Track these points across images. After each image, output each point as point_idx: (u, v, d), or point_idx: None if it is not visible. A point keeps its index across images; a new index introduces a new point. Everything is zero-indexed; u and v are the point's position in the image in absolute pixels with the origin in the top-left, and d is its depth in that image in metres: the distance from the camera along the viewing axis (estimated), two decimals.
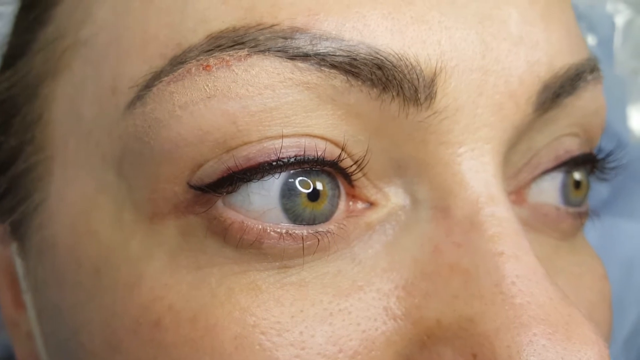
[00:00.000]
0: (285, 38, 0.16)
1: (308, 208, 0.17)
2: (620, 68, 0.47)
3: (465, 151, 0.18)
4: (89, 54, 0.19)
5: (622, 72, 0.47)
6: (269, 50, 0.16)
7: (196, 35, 0.17)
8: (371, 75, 0.16)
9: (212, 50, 0.16)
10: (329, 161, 0.17)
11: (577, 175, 0.21)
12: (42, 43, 0.21)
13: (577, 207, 0.21)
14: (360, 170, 0.17)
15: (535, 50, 0.19)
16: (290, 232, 0.17)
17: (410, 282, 0.17)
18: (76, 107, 0.19)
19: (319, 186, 0.17)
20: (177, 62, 0.17)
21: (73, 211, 0.19)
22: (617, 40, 0.48)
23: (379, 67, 0.16)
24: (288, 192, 0.17)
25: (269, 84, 0.16)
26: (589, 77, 0.20)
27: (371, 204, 0.18)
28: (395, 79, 0.17)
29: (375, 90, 0.17)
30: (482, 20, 0.18)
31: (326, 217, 0.17)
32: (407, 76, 0.17)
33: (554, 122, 0.20)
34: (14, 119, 0.21)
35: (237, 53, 0.16)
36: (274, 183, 0.17)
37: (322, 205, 0.17)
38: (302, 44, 0.16)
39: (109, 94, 0.18)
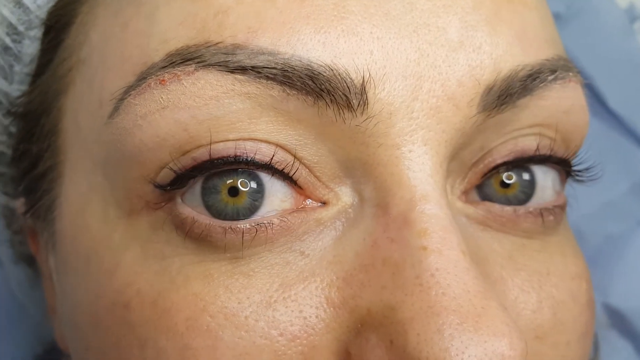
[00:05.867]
0: (227, 54, 0.18)
1: (230, 204, 0.19)
2: None
3: (403, 152, 0.19)
4: (85, 72, 0.22)
5: None
6: (212, 65, 0.18)
7: (158, 54, 0.19)
8: (304, 85, 0.18)
9: (167, 66, 0.19)
10: (261, 163, 0.19)
11: (505, 176, 0.22)
12: (57, 62, 0.24)
13: (524, 205, 0.21)
14: (294, 172, 0.19)
15: (478, 53, 0.19)
16: (232, 226, 0.19)
17: (350, 273, 0.19)
18: (77, 118, 0.22)
19: (239, 184, 0.19)
20: (141, 77, 0.19)
21: (73, 208, 0.22)
22: None
23: (311, 78, 0.18)
24: (210, 189, 0.19)
25: (213, 95, 0.18)
26: (550, 78, 0.21)
27: (324, 203, 0.20)
28: (327, 88, 0.18)
29: (310, 98, 0.18)
30: (417, 29, 0.19)
31: (250, 212, 0.19)
32: (338, 85, 0.18)
33: (513, 122, 0.21)
34: (35, 129, 0.25)
35: (186, 68, 0.18)
36: (198, 182, 0.19)
37: (243, 200, 0.19)
38: (241, 58, 0.18)
39: (97, 106, 0.21)
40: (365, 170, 0.19)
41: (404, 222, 0.18)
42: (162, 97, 0.19)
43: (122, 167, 0.20)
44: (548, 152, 0.21)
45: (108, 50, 0.21)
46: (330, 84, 0.18)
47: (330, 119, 0.19)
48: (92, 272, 0.21)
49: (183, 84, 0.18)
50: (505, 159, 0.21)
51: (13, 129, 0.27)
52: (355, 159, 0.19)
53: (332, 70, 0.18)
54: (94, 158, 0.21)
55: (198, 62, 0.18)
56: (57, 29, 0.24)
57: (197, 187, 0.19)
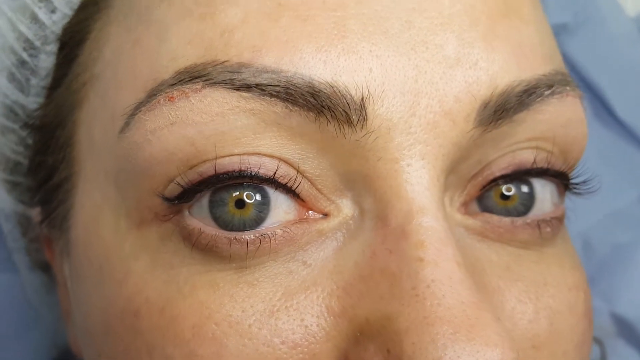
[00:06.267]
0: (233, 72, 0.19)
1: (236, 215, 0.20)
2: None
3: (401, 166, 0.19)
4: (99, 87, 0.23)
5: None
6: (218, 82, 0.19)
7: (167, 71, 0.20)
8: (306, 102, 0.19)
9: (175, 84, 0.19)
10: (265, 177, 0.19)
11: (505, 188, 0.22)
12: (71, 77, 0.25)
13: (523, 217, 0.22)
14: (297, 186, 0.20)
15: (475, 70, 0.20)
16: (237, 237, 0.19)
17: (350, 283, 0.19)
18: (90, 132, 0.23)
19: (245, 197, 0.20)
20: (151, 94, 0.20)
21: (87, 218, 0.23)
22: None
23: (313, 95, 0.19)
24: (218, 202, 0.20)
25: (219, 112, 0.19)
26: (546, 92, 0.21)
27: (325, 215, 0.20)
28: (328, 105, 0.19)
29: (311, 114, 0.19)
30: (415, 46, 0.20)
31: (256, 223, 0.20)
32: (339, 102, 0.19)
33: (510, 136, 0.21)
34: (51, 141, 0.26)
35: (194, 86, 0.19)
36: (206, 196, 0.20)
37: (249, 212, 0.20)
38: (246, 76, 0.19)
39: (109, 120, 0.22)
40: (365, 183, 0.20)
41: (401, 234, 0.19)
42: (170, 114, 0.19)
43: (133, 180, 0.21)
44: (545, 165, 0.22)
45: (120, 66, 0.22)
46: (331, 101, 0.19)
47: (331, 134, 0.19)
48: (104, 281, 0.22)
49: (191, 100, 0.19)
50: (504, 172, 0.22)
51: (29, 141, 0.28)
52: (355, 172, 0.20)
53: (332, 87, 0.19)
54: (107, 170, 0.22)
55: (205, 80, 0.19)
56: (71, 45, 0.25)
57: (205, 199, 0.20)
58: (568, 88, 0.22)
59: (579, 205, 0.49)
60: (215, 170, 0.19)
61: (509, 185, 0.22)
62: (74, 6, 0.25)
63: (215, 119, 0.19)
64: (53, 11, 0.26)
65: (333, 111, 0.19)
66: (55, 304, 0.34)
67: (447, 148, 0.20)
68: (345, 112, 0.19)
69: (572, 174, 0.24)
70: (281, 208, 0.20)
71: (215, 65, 0.19)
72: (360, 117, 0.19)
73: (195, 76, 0.19)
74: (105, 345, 0.21)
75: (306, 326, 0.19)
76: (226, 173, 0.19)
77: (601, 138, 0.50)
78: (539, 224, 0.22)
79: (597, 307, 0.46)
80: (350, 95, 0.19)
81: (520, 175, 0.22)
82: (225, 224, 0.20)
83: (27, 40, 0.27)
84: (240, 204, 0.20)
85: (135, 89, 0.21)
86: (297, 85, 0.19)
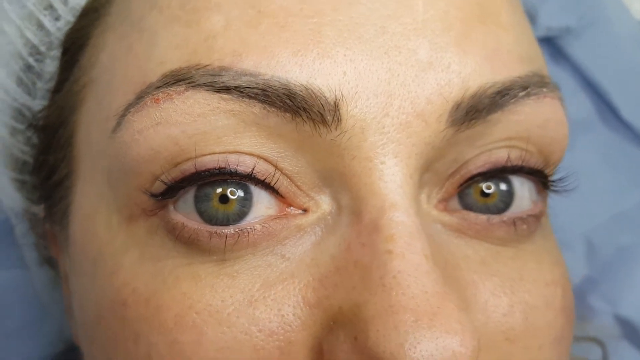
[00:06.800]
0: (214, 75, 0.20)
1: (220, 210, 0.21)
2: None
3: (376, 164, 0.20)
4: (96, 90, 0.24)
5: None
6: (200, 85, 0.20)
7: (155, 75, 0.21)
8: (283, 103, 0.20)
9: (161, 86, 0.21)
10: (244, 174, 0.20)
11: (485, 186, 0.23)
12: (72, 80, 0.26)
13: (499, 215, 0.23)
14: (276, 182, 0.21)
15: (447, 73, 0.21)
16: (217, 231, 0.20)
17: (325, 275, 0.20)
18: (88, 132, 0.24)
19: (228, 192, 0.21)
20: (140, 96, 0.21)
21: (83, 214, 0.24)
22: None
23: (289, 97, 0.20)
24: (203, 197, 0.21)
25: (201, 112, 0.20)
26: (521, 94, 0.22)
27: (305, 210, 0.21)
28: (303, 106, 0.20)
29: (288, 115, 0.20)
30: (388, 50, 0.21)
31: (239, 217, 0.21)
32: (313, 103, 0.20)
33: (486, 135, 0.22)
34: (53, 140, 0.27)
35: (177, 88, 0.20)
36: (191, 191, 0.21)
37: (233, 207, 0.21)
38: (226, 79, 0.20)
39: (104, 121, 0.23)
40: (342, 181, 0.21)
41: (374, 228, 0.20)
42: (156, 114, 0.21)
43: (123, 177, 0.22)
44: (520, 163, 0.23)
45: (114, 70, 0.23)
46: (306, 102, 0.20)
47: (307, 133, 0.20)
48: (98, 274, 0.23)
49: (175, 102, 0.20)
50: (480, 170, 0.22)
51: (35, 141, 0.29)
52: (332, 170, 0.21)
53: (307, 89, 0.20)
54: (101, 169, 0.23)
55: (188, 83, 0.20)
56: (72, 50, 0.26)
57: (190, 195, 0.21)
58: (545, 90, 0.23)
59: (583, 206, 0.49)
60: (196, 168, 0.20)
61: (488, 183, 0.23)
62: (76, 13, 0.27)
63: (197, 120, 0.20)
64: (57, 19, 0.27)
65: (308, 112, 0.20)
66: (62, 299, 0.35)
67: (420, 147, 0.21)
68: (319, 113, 0.20)
69: (551, 172, 0.24)
70: (263, 204, 0.21)
71: (198, 68, 0.20)
72: (335, 118, 0.20)
73: (179, 79, 0.20)
74: (97, 334, 0.23)
75: (283, 315, 0.20)
76: (207, 170, 0.20)
77: (606, 140, 0.50)
78: (514, 222, 0.23)
79: (600, 308, 0.47)
80: (325, 97, 0.20)
81: (497, 173, 0.23)
82: (209, 219, 0.21)
83: (33, 46, 0.28)
84: (224, 199, 0.21)
85: (126, 91, 0.22)
86: (274, 88, 0.20)
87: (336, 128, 0.20)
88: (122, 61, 0.23)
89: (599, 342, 0.43)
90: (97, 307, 0.23)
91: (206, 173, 0.20)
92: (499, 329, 0.21)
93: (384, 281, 0.19)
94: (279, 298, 0.20)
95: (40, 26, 0.28)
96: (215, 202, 0.21)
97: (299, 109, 0.20)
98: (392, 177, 0.20)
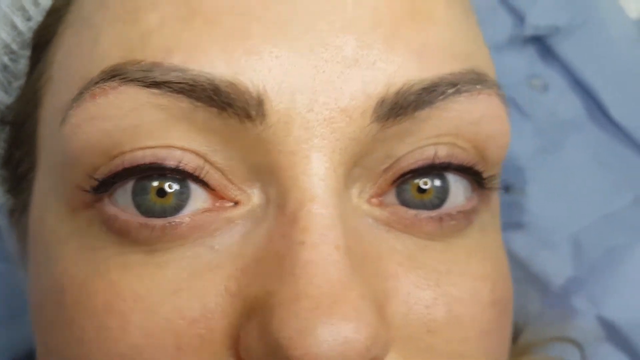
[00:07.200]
0: (145, 70, 0.21)
1: (157, 203, 0.21)
2: None
3: (300, 158, 0.21)
4: (52, 86, 0.25)
5: None
6: (132, 80, 0.21)
7: (95, 71, 0.22)
8: (209, 98, 0.21)
9: (99, 82, 0.22)
10: (173, 167, 0.21)
11: (422, 182, 0.23)
12: (35, 77, 0.27)
13: (429, 211, 0.23)
14: (205, 175, 0.21)
15: (372, 70, 0.21)
16: (147, 223, 0.21)
17: (248, 265, 0.21)
18: (45, 127, 0.26)
19: (166, 186, 0.21)
20: (81, 91, 0.22)
21: (38, 205, 0.26)
22: None
23: (215, 92, 0.20)
24: (140, 190, 0.21)
25: (133, 107, 0.21)
26: (450, 91, 0.22)
27: (236, 203, 0.22)
28: (228, 101, 0.21)
29: (215, 109, 0.21)
30: (314, 48, 0.21)
31: (176, 210, 0.21)
32: (238, 98, 0.20)
33: (416, 132, 0.22)
34: (19, 135, 0.28)
35: (112, 83, 0.21)
36: (130, 184, 0.22)
37: (170, 200, 0.21)
38: (156, 74, 0.21)
39: (56, 116, 0.24)
40: (270, 174, 0.21)
41: (293, 220, 0.20)
42: (92, 109, 0.21)
43: (66, 170, 0.23)
44: (448, 160, 0.23)
45: (68, 66, 0.24)
46: (230, 98, 0.20)
47: (235, 128, 0.21)
48: (44, 262, 0.24)
49: (109, 97, 0.21)
50: (412, 167, 0.23)
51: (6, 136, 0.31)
52: (261, 163, 0.21)
53: (232, 85, 0.20)
54: (53, 162, 0.24)
55: (122, 78, 0.21)
56: (38, 48, 0.28)
57: (129, 187, 0.22)
58: (479, 86, 0.23)
59: (572, 207, 0.49)
60: (125, 164, 0.21)
61: (425, 179, 0.23)
62: (44, 13, 0.28)
63: (129, 114, 0.21)
64: (29, 19, 0.29)
65: (233, 107, 0.21)
66: None
67: (345, 142, 0.21)
68: (244, 108, 0.20)
69: (489, 169, 0.24)
70: (200, 197, 0.22)
71: (133, 64, 0.21)
72: (259, 113, 0.21)
73: (114, 75, 0.21)
74: (40, 319, 0.24)
75: (205, 304, 0.20)
76: (137, 166, 0.21)
77: (596, 140, 0.49)
78: (442, 217, 0.23)
79: (583, 309, 0.46)
80: (249, 92, 0.20)
81: (429, 170, 0.23)
82: (146, 211, 0.22)
83: (7, 45, 0.30)
84: (161, 193, 0.22)
85: (73, 87, 0.23)
86: (201, 83, 0.20)
87: (261, 123, 0.21)
88: (73, 57, 0.24)
89: (577, 344, 0.43)
90: (41, 294, 0.24)
91: (137, 168, 0.21)
92: (421, 320, 0.22)
93: (293, 270, 0.19)
94: (203, 288, 0.21)
95: (14, 27, 0.29)
96: (152, 195, 0.22)
97: (224, 104, 0.21)
98: (314, 170, 0.21)
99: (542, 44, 0.50)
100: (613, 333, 0.46)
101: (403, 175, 0.23)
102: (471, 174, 0.24)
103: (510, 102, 0.51)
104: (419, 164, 0.23)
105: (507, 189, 0.49)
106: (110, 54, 0.22)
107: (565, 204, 0.49)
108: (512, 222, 0.48)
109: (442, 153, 0.23)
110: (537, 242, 0.48)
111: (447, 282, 0.22)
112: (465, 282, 0.23)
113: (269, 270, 0.20)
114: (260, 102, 0.21)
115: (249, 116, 0.21)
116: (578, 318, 0.46)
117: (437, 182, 0.23)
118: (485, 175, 0.24)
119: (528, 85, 0.50)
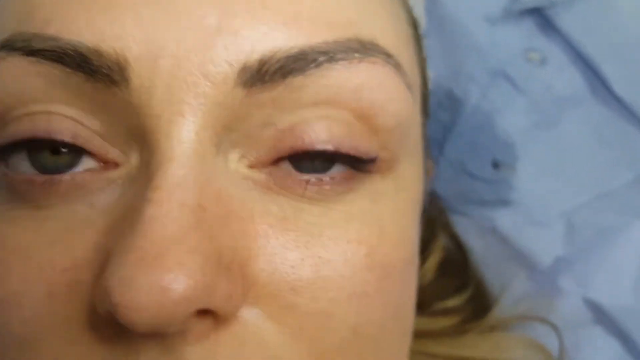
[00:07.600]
0: (26, 40, 0.23)
1: (51, 160, 0.23)
2: None
3: (164, 122, 0.22)
4: None
5: None
6: (15, 49, 0.23)
7: None
8: (77, 65, 0.22)
9: None
10: (54, 132, 0.23)
11: (309, 147, 0.23)
12: None
13: (309, 175, 0.23)
14: (86, 141, 0.23)
15: (235, 37, 0.22)
16: (32, 178, 0.23)
17: (115, 221, 0.22)
18: None
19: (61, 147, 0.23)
20: None
21: None
22: None
23: (82, 59, 0.22)
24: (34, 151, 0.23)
25: (16, 75, 0.23)
26: (321, 59, 0.23)
27: (117, 164, 0.23)
28: (93, 68, 0.22)
29: (82, 75, 0.22)
30: (179, 16, 0.22)
31: (67, 168, 0.23)
32: (102, 64, 0.22)
33: (294, 100, 0.23)
34: None
35: (1, 54, 0.23)
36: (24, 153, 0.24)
37: (64, 159, 0.23)
38: (34, 44, 0.23)
39: None
40: (141, 136, 0.23)
41: (149, 180, 0.22)
42: None
43: None
44: (327, 146, 0.23)
45: None
46: (95, 64, 0.22)
47: (104, 92, 0.22)
48: None
49: (1, 66, 0.23)
50: (297, 150, 0.23)
51: None
52: (134, 127, 0.23)
53: (96, 52, 0.22)
54: None
55: (8, 49, 0.23)
56: None
57: (24, 149, 0.24)
58: (357, 55, 0.23)
59: (567, 184, 0.47)
60: (9, 132, 0.23)
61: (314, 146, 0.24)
62: None
63: (15, 81, 0.23)
64: None
65: (99, 73, 0.22)
66: None
67: (208, 107, 0.22)
68: (108, 74, 0.22)
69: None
70: (90, 160, 0.24)
71: (18, 36, 0.23)
72: (123, 79, 0.22)
73: (3, 46, 0.23)
74: None
75: (75, 257, 0.22)
76: (22, 139, 0.23)
77: (597, 116, 0.47)
78: (307, 181, 0.23)
79: (570, 291, 0.45)
80: (112, 59, 0.22)
81: (313, 155, 0.23)
82: (41, 167, 0.23)
83: None
84: (55, 152, 0.23)
85: None
86: (69, 51, 0.22)
87: (126, 87, 0.22)
88: None
89: (553, 326, 0.42)
90: None
91: (20, 138, 0.23)
92: (285, 279, 0.22)
93: (135, 226, 0.21)
94: (75, 241, 0.22)
95: None
96: (47, 153, 0.23)
97: (91, 70, 0.22)
98: (176, 133, 0.22)
99: (541, 16, 0.49)
100: (601, 316, 0.44)
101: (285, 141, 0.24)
102: (351, 161, 0.24)
103: (501, 76, 0.50)
104: (302, 147, 0.23)
105: (495, 165, 0.48)
106: (6, 28, 0.24)
107: (559, 182, 0.47)
108: (499, 199, 0.47)
109: (323, 136, 0.23)
110: (526, 219, 0.46)
111: (317, 244, 0.23)
112: (338, 245, 0.23)
113: (123, 225, 0.22)
114: (122, 68, 0.22)
115: (114, 81, 0.22)
116: (564, 299, 0.44)
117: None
118: (365, 157, 0.24)
119: (525, 59, 0.49)
